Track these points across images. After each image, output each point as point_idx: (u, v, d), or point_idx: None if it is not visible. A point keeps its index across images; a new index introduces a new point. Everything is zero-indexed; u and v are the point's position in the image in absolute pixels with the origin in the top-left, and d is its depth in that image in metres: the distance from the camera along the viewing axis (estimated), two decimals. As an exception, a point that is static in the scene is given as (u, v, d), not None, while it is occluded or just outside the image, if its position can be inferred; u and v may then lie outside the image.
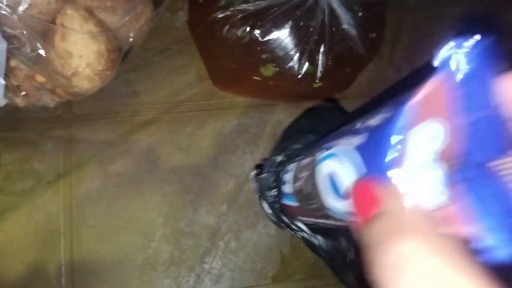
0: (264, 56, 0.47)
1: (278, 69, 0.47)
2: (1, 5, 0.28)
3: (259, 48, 0.47)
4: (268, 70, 0.47)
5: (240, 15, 0.47)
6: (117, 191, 0.46)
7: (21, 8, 0.29)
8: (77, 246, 0.44)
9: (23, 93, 0.38)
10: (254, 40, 0.46)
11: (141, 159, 0.47)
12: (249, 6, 0.47)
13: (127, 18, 0.37)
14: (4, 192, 0.45)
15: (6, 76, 0.34)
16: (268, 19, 0.46)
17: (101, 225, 0.45)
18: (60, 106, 0.47)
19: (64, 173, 0.46)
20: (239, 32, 0.46)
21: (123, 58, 0.40)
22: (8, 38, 0.27)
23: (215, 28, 0.48)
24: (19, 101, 0.40)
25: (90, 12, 0.35)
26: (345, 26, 0.48)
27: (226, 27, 0.47)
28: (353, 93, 0.52)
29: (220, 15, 0.47)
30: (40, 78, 0.38)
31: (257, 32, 0.46)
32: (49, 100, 0.41)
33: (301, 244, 0.46)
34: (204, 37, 0.50)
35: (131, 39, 0.39)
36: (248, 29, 0.46)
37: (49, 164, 0.46)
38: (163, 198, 0.46)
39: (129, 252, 0.45)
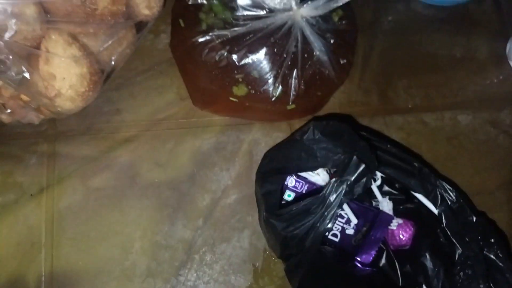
0: (237, 77, 0.50)
1: (250, 88, 0.50)
2: (-11, 32, 0.30)
3: (235, 71, 0.50)
4: (241, 90, 0.50)
5: (218, 40, 0.50)
6: (97, 205, 0.48)
7: (7, 35, 0.32)
8: (57, 257, 0.46)
9: (8, 110, 0.40)
10: (231, 63, 0.49)
11: (121, 174, 0.49)
12: (227, 32, 0.50)
13: (109, 42, 0.40)
14: (-13, 204, 0.47)
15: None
16: (244, 44, 0.49)
17: (81, 238, 0.47)
18: (45, 123, 0.49)
19: (47, 186, 0.48)
20: (217, 56, 0.49)
21: (105, 80, 0.42)
22: (-5, 63, 0.30)
23: (195, 51, 0.50)
24: (5, 118, 0.42)
25: (73, 37, 0.38)
26: (316, 52, 0.51)
27: (205, 51, 0.50)
28: (324, 114, 0.55)
29: (200, 39, 0.50)
30: (25, 97, 0.40)
31: (234, 56, 0.49)
32: (34, 117, 0.43)
33: (273, 258, 0.48)
34: (184, 59, 0.53)
35: (113, 62, 0.41)
36: (225, 53, 0.49)
37: (32, 178, 0.48)
38: (141, 212, 0.48)
39: (107, 263, 0.46)
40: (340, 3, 0.48)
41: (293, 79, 0.50)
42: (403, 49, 0.61)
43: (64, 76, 0.36)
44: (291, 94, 0.51)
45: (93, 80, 0.39)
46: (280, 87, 0.50)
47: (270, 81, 0.50)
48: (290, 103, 0.51)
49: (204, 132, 0.53)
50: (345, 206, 0.47)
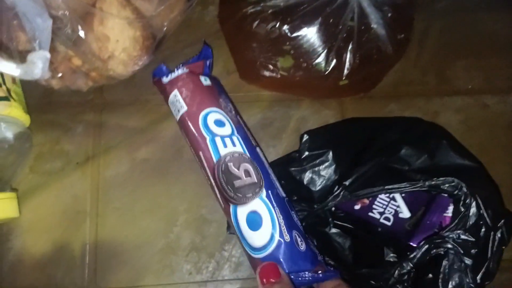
0: (285, 48, 0.48)
1: (301, 61, 0.48)
2: (47, -14, 0.29)
3: (287, 43, 0.47)
4: (287, 61, 0.48)
5: (270, 11, 0.48)
6: (142, 177, 0.47)
7: (65, -10, 0.31)
8: (101, 227, 0.45)
9: (60, 74, 0.39)
10: (282, 35, 0.47)
11: (167, 147, 0.48)
12: (280, 2, 0.47)
13: (162, 7, 0.38)
14: (34, 171, 0.47)
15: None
16: (297, 15, 0.47)
17: (126, 208, 0.46)
18: (92, 91, 0.48)
19: (93, 156, 0.47)
20: (268, 27, 0.47)
21: (157, 46, 0.41)
22: (52, 18, 0.29)
23: (245, 23, 0.49)
24: (55, 83, 0.42)
25: (127, 0, 0.36)
26: (374, 25, 0.48)
27: (256, 22, 0.48)
28: (378, 93, 0.53)
29: (251, 10, 0.48)
30: (76, 61, 0.39)
31: (286, 27, 0.47)
32: (82, 84, 0.43)
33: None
34: (233, 31, 0.51)
35: (164, 28, 0.40)
36: (277, 24, 0.47)
37: (79, 147, 0.48)
38: (186, 185, 0.47)
39: (151, 236, 0.46)
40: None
41: (348, 53, 0.47)
42: (463, 28, 0.57)
43: (117, 38, 0.35)
44: (345, 68, 0.48)
45: (146, 45, 0.37)
46: (334, 60, 0.47)
47: (323, 54, 0.47)
48: (343, 78, 0.48)
49: (251, 107, 0.51)
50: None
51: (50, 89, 0.45)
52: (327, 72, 0.48)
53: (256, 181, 0.39)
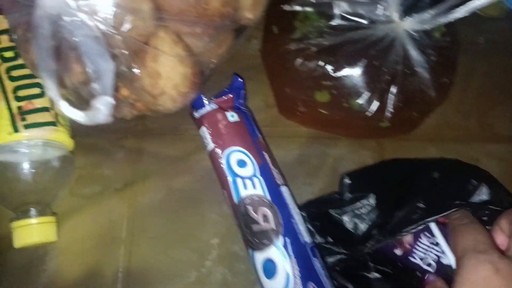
0: (324, 83, 0.48)
1: (342, 101, 0.47)
2: (109, 27, 0.30)
3: (328, 81, 0.47)
4: (324, 96, 0.48)
5: (314, 49, 0.48)
6: (178, 206, 0.48)
7: (123, 29, 0.32)
8: (135, 255, 0.46)
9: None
10: (325, 74, 0.47)
11: (204, 177, 0.48)
12: (324, 41, 0.48)
13: (211, 44, 0.39)
14: (74, 193, 0.48)
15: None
16: (342, 55, 0.47)
17: (160, 238, 0.46)
18: (134, 119, 0.49)
19: (131, 182, 0.48)
20: (311, 66, 0.48)
21: (204, 82, 0.42)
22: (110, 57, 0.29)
23: (287, 59, 0.49)
24: (102, 111, 0.43)
25: (178, 36, 0.37)
26: (418, 68, 0.48)
27: (299, 59, 0.48)
28: (418, 135, 0.52)
29: (294, 47, 0.49)
30: (124, 92, 0.40)
31: (329, 67, 0.47)
32: (127, 113, 0.44)
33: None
34: (275, 66, 0.52)
35: (212, 65, 0.41)
36: (320, 63, 0.47)
37: (118, 172, 0.48)
38: (221, 218, 0.47)
39: (183, 268, 0.45)
40: (452, 20, 0.45)
41: (390, 96, 0.47)
42: (507, 72, 0.56)
43: (169, 75, 0.36)
44: (387, 111, 0.48)
45: (194, 82, 0.38)
46: (377, 102, 0.47)
47: (367, 95, 0.47)
48: (384, 121, 0.48)
49: (288, 143, 0.51)
50: (435, 230, 0.43)
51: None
52: (368, 114, 0.47)
53: (273, 227, 0.39)
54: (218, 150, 0.43)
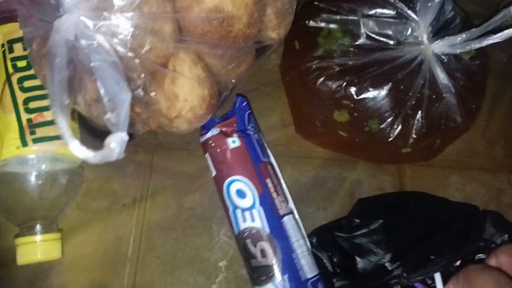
0: (344, 102, 0.46)
1: (351, 117, 0.45)
2: (126, 48, 0.28)
3: (352, 106, 0.45)
4: (342, 116, 0.46)
5: (337, 68, 0.46)
6: (187, 225, 0.46)
7: (142, 51, 0.30)
8: (140, 274, 0.44)
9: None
10: (348, 95, 0.45)
11: (214, 196, 0.46)
12: (348, 60, 0.46)
13: (232, 64, 0.37)
14: (81, 208, 0.46)
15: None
16: (366, 76, 0.45)
17: (167, 258, 0.45)
18: (147, 132, 0.48)
19: (140, 198, 0.47)
20: (333, 86, 0.45)
21: (222, 103, 0.40)
22: (126, 80, 0.28)
23: (308, 77, 0.47)
24: (113, 126, 0.41)
25: (199, 57, 0.35)
26: (445, 93, 0.45)
27: (321, 79, 0.46)
28: (440, 162, 0.50)
29: (316, 65, 0.47)
30: (137, 109, 0.38)
31: (353, 88, 0.45)
32: (140, 128, 0.42)
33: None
34: (294, 84, 0.50)
35: (231, 85, 0.39)
36: (344, 84, 0.45)
37: (127, 187, 0.47)
38: (230, 240, 0.45)
39: (189, 290, 0.44)
40: (484, 45, 0.43)
41: (415, 121, 0.45)
42: (537, 99, 0.53)
43: (186, 98, 0.34)
44: (410, 137, 0.45)
45: (212, 103, 0.36)
46: (400, 127, 0.45)
47: (389, 120, 0.45)
48: (406, 146, 0.46)
49: (304, 164, 0.49)
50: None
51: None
52: (390, 139, 0.45)
53: (271, 263, 0.38)
54: (219, 178, 0.42)
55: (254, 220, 0.39)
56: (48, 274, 0.44)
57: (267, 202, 0.40)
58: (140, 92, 0.31)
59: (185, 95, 0.34)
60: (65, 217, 0.45)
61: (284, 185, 0.45)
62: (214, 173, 0.42)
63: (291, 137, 0.50)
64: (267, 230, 0.38)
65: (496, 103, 0.53)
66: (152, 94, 0.32)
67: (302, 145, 0.50)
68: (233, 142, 0.41)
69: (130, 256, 0.45)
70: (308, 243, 0.42)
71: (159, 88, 0.33)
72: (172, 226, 0.46)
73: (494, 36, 0.42)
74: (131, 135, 0.36)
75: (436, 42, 0.45)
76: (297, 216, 0.43)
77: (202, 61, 0.35)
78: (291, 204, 0.44)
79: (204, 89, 0.35)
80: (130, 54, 0.28)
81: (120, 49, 0.28)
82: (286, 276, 0.37)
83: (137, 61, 0.29)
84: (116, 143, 0.23)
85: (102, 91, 0.25)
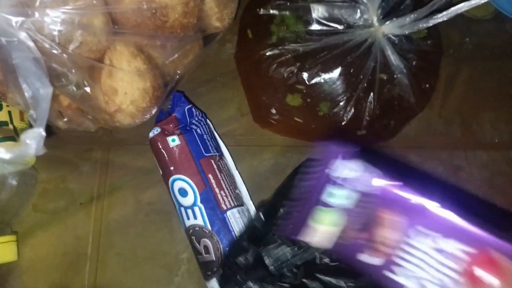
0: (298, 86, 0.45)
1: (303, 101, 0.45)
2: (53, 44, 0.28)
3: (305, 91, 0.45)
4: (295, 100, 0.46)
5: (288, 55, 0.46)
6: (146, 221, 0.46)
7: (71, 47, 0.29)
8: (101, 272, 0.44)
9: (65, 119, 0.38)
10: (300, 81, 0.45)
11: (174, 190, 0.47)
12: (300, 47, 0.46)
13: (176, 55, 0.37)
14: (37, 209, 0.46)
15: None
16: (317, 61, 0.45)
17: (127, 254, 0.45)
18: (101, 129, 0.47)
19: (97, 196, 0.46)
20: (285, 73, 0.45)
21: (168, 94, 0.39)
22: (56, 76, 0.27)
23: (262, 65, 0.47)
24: (61, 124, 0.41)
25: (139, 49, 0.35)
26: (397, 74, 0.46)
27: (274, 65, 0.46)
28: (398, 143, 0.50)
29: (269, 53, 0.46)
30: (72, 104, 0.38)
31: (304, 74, 0.45)
32: (90, 125, 0.42)
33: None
34: (249, 73, 0.50)
35: (177, 76, 0.38)
36: (295, 70, 0.45)
37: (84, 186, 0.46)
38: (191, 233, 0.45)
39: (152, 284, 0.44)
40: (431, 24, 0.43)
41: (368, 103, 0.45)
42: (493, 77, 0.54)
43: (126, 91, 0.34)
44: (364, 119, 0.46)
45: (156, 95, 0.36)
46: (353, 111, 0.45)
47: (342, 103, 0.45)
48: (361, 129, 0.46)
49: (263, 152, 0.49)
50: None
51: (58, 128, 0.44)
52: (344, 123, 0.45)
53: (214, 259, 0.38)
54: (165, 177, 0.42)
55: (196, 218, 0.39)
56: (6, 278, 0.43)
57: (208, 199, 0.40)
58: (72, 87, 0.30)
59: (125, 88, 0.33)
60: (22, 220, 0.45)
61: (237, 177, 0.45)
62: (160, 172, 0.42)
63: (249, 126, 0.50)
64: (208, 226, 0.39)
65: (452, 83, 0.53)
66: (87, 89, 0.31)
67: (261, 133, 0.50)
68: (173, 140, 0.40)
69: (90, 255, 0.44)
70: None
71: (96, 83, 0.33)
72: (131, 222, 0.46)
73: (440, 15, 0.42)
74: (49, 130, 0.36)
75: (386, 24, 0.45)
76: (249, 207, 0.43)
77: (142, 53, 0.35)
78: (244, 195, 0.44)
79: (146, 82, 0.35)
80: (56, 50, 0.28)
81: (46, 45, 0.27)
82: None
83: (65, 56, 0.28)
84: (32, 139, 0.23)
85: (24, 87, 0.24)
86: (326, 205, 0.26)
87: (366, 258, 0.25)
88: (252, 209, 0.44)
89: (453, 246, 0.22)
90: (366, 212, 0.25)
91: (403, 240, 0.23)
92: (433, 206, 0.23)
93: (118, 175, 0.47)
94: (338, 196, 0.26)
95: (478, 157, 0.50)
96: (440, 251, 0.22)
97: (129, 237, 0.45)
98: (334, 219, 0.26)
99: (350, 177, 0.26)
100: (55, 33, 0.28)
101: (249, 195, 0.45)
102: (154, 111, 0.38)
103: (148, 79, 0.35)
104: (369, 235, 0.24)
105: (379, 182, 0.25)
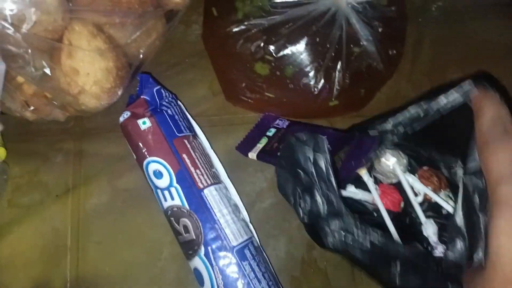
0: (266, 57, 0.45)
1: (270, 68, 0.45)
2: (5, 23, 0.27)
3: (273, 64, 0.45)
4: (263, 69, 0.46)
5: (254, 30, 0.46)
6: (125, 207, 0.45)
7: (25, 26, 0.29)
8: (83, 262, 0.43)
9: (32, 108, 0.37)
10: (268, 55, 0.45)
11: (150, 174, 0.46)
12: (264, 21, 0.45)
13: (138, 33, 0.36)
14: (12, 204, 0.45)
15: (14, 92, 0.34)
16: (283, 34, 0.45)
17: (108, 241, 0.44)
18: (71, 119, 0.47)
19: (73, 187, 0.45)
20: (252, 47, 0.45)
21: (133, 74, 0.39)
22: (12, 57, 0.27)
23: (229, 42, 0.47)
24: (29, 115, 0.40)
25: (98, 28, 0.34)
26: (363, 42, 0.46)
27: (240, 42, 0.46)
28: (370, 111, 0.50)
29: (235, 29, 0.46)
30: (49, 94, 0.37)
31: (271, 47, 0.45)
32: (59, 114, 0.41)
33: (312, 270, 0.44)
34: (217, 51, 0.49)
35: (141, 55, 0.38)
36: (262, 44, 0.45)
37: (58, 178, 0.46)
38: (171, 215, 0.45)
39: (135, 269, 0.44)
40: (392, -12, 0.43)
41: (337, 73, 0.45)
42: (457, 38, 0.54)
43: (88, 71, 0.33)
44: (334, 89, 0.46)
45: (120, 75, 0.35)
46: (322, 81, 0.45)
47: (311, 74, 0.45)
48: (333, 99, 0.46)
49: (238, 130, 0.49)
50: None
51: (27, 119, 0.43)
52: (315, 93, 0.45)
53: (194, 237, 0.38)
54: (139, 161, 0.41)
55: (174, 198, 0.39)
56: (-15, 276, 0.43)
57: (184, 178, 0.39)
58: (31, 69, 0.30)
59: (86, 69, 0.33)
60: (-3, 216, 0.44)
61: (213, 156, 0.45)
62: (134, 156, 0.42)
63: (222, 105, 0.50)
64: (186, 206, 0.39)
65: (419, 48, 0.54)
66: (46, 70, 0.31)
67: (234, 112, 0.50)
68: (144, 123, 0.40)
69: (70, 246, 0.44)
70: (237, 211, 0.42)
71: (56, 64, 0.32)
72: (109, 210, 0.45)
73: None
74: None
75: (348, -9, 0.45)
76: (227, 185, 0.43)
77: (103, 32, 0.34)
78: (221, 173, 0.44)
79: (108, 61, 0.34)
80: (8, 29, 0.27)
81: (-1, 24, 0.27)
82: (210, 248, 0.38)
83: (18, 36, 0.28)
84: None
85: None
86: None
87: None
88: (230, 186, 0.44)
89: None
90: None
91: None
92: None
93: (92, 164, 0.46)
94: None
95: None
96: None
97: (109, 225, 0.45)
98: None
99: None
100: (6, 12, 0.27)
101: (227, 173, 0.45)
102: (119, 92, 0.37)
103: (110, 58, 0.34)
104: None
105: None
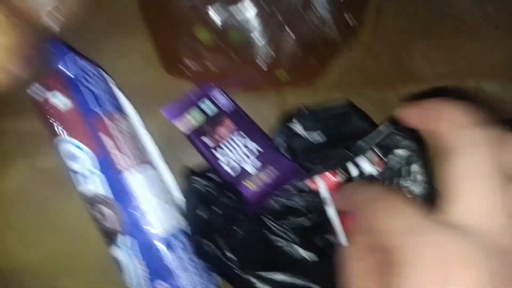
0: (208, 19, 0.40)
1: (211, 32, 0.41)
2: None
3: (213, 27, 0.40)
4: (202, 33, 0.41)
5: (193, -11, 0.40)
6: (46, 189, 0.41)
7: None
8: (2, 253, 0.39)
9: None
10: (206, 16, 0.40)
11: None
12: (204, -21, 0.40)
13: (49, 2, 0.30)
14: None
15: None
16: (225, -5, 0.39)
17: (28, 230, 0.40)
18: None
19: (-14, 169, 0.40)
20: (190, 8, 0.40)
21: (45, 49, 0.33)
22: None
23: (165, 3, 0.41)
24: None
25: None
26: (318, 8, 0.41)
27: (177, 2, 0.40)
28: (323, 82, 0.46)
29: (169, -13, 0.41)
30: None
31: (210, 9, 0.40)
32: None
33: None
34: (152, 14, 0.44)
35: (57, 26, 0.32)
36: (199, 4, 0.40)
37: (-33, 159, 0.40)
38: (98, 198, 0.40)
39: (60, 258, 0.40)
40: None
41: (285, 40, 0.41)
42: (423, 7, 0.50)
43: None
44: (282, 58, 0.41)
45: (26, 54, 0.29)
46: (269, 48, 0.40)
47: (257, 40, 0.40)
48: (280, 68, 0.42)
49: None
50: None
51: None
52: (261, 62, 0.41)
53: (111, 226, 0.35)
54: (54, 141, 0.37)
55: (90, 183, 0.34)
56: None
57: (103, 161, 0.35)
58: None
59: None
60: None
61: (144, 135, 0.40)
62: (50, 135, 0.37)
63: (159, 76, 0.44)
64: (102, 192, 0.34)
65: (380, 16, 0.49)
66: None
67: (172, 84, 0.44)
68: (56, 98, 0.34)
69: (-16, 235, 0.39)
70: (166, 195, 0.38)
71: None
72: (29, 194, 0.40)
73: None
74: None
75: None
76: (158, 165, 0.39)
77: (3, 4, 0.28)
78: (152, 152, 0.39)
79: (9, 37, 0.28)
80: None
81: None
82: (130, 237, 0.34)
83: None
84: None
85: None
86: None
87: (206, 140, 0.41)
88: (163, 166, 0.39)
89: (252, 145, 0.41)
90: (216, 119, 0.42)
91: (229, 136, 0.42)
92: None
93: (8, 143, 0.41)
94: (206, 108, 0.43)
95: (409, 90, 0.47)
96: (245, 146, 0.41)
97: (28, 211, 0.40)
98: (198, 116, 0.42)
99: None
100: None
101: (162, 153, 0.41)
102: (29, 70, 0.32)
103: (10, 34, 0.28)
104: (212, 130, 0.42)
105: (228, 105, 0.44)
